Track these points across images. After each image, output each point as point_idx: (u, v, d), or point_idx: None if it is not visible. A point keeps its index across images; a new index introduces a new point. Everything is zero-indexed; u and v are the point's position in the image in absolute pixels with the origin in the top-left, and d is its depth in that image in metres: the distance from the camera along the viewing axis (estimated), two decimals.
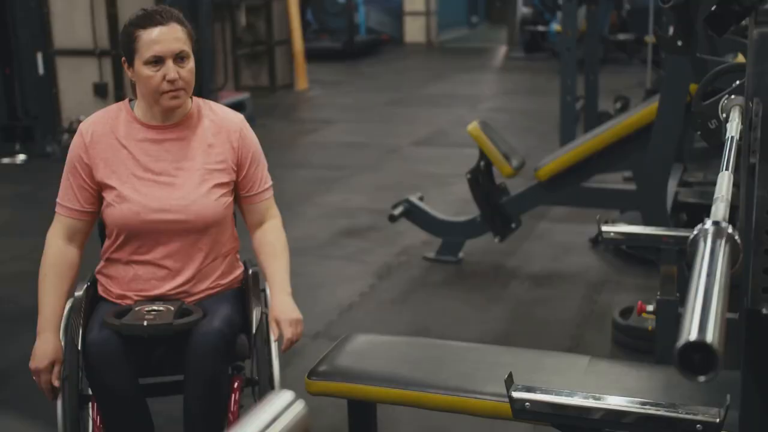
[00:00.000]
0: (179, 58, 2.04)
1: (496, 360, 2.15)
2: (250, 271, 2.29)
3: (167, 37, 2.02)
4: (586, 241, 4.67)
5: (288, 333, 2.10)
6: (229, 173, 2.17)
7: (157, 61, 2.02)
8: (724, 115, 2.36)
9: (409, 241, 4.73)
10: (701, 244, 1.26)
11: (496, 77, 12.22)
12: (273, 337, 2.13)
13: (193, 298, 2.16)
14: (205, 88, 7.67)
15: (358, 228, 5.05)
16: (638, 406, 1.51)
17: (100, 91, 7.30)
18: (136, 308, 2.07)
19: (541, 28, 12.73)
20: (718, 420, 1.45)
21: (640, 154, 3.81)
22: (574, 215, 5.08)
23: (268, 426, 0.74)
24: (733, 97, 2.44)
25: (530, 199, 4.25)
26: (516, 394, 1.56)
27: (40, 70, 6.97)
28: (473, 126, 4.22)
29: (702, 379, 0.97)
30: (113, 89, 7.30)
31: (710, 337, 0.96)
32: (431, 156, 6.93)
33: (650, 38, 8.66)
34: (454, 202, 5.42)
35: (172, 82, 2.03)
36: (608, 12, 11.55)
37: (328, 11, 14.10)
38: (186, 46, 2.06)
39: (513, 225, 4.27)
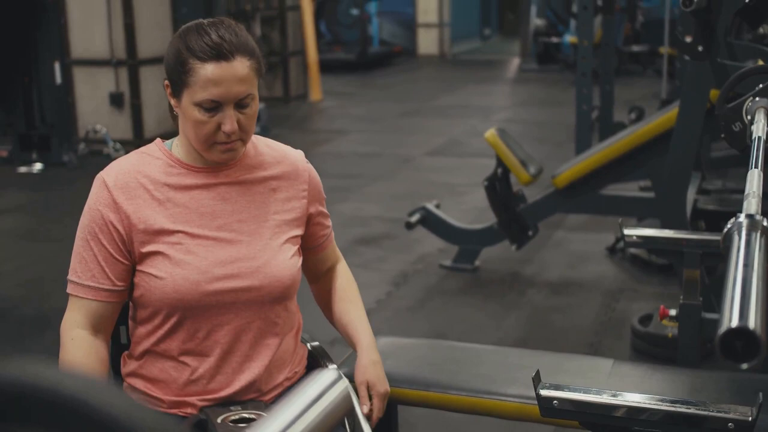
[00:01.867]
0: (241, 105, 1.55)
1: (518, 362, 2.14)
2: (309, 346, 1.84)
3: (231, 78, 1.52)
4: (602, 250, 4.65)
5: (378, 410, 1.72)
6: (300, 225, 1.71)
7: (214, 107, 1.53)
8: (749, 117, 2.35)
9: (425, 249, 4.72)
10: (736, 237, 1.24)
11: (509, 88, 12.22)
12: (362, 410, 1.69)
13: (269, 396, 1.67)
14: None
15: (373, 236, 5.04)
16: (668, 404, 1.49)
17: (116, 101, 7.35)
18: (218, 420, 1.56)
19: (554, 39, 12.73)
20: (750, 418, 1.43)
21: (658, 161, 3.80)
22: (589, 224, 5.07)
23: (314, 402, 0.73)
24: (757, 99, 2.44)
25: (548, 207, 4.24)
26: (544, 392, 1.54)
27: (58, 79, 7.01)
28: (491, 133, 4.21)
29: (744, 366, 0.96)
30: (129, 99, 7.35)
31: (752, 323, 0.95)
32: (445, 166, 6.92)
33: (664, 49, 8.67)
34: (468, 211, 5.40)
35: (228, 134, 1.55)
36: (622, 23, 11.55)
37: (342, 23, 14.15)
38: (252, 88, 1.56)
39: (530, 232, 4.26)
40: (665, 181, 3.77)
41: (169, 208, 1.60)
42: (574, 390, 1.55)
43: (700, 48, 3.39)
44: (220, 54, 1.52)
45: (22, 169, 6.83)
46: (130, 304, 1.68)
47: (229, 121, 1.54)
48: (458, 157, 7.23)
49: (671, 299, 3.54)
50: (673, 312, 3.19)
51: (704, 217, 4.26)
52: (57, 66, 6.97)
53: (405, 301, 4.03)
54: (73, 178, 6.46)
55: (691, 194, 4.11)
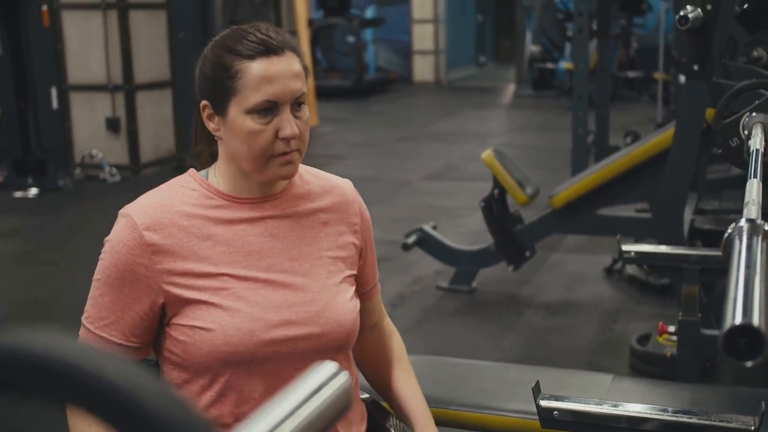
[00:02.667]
0: (297, 104, 1.37)
1: (518, 378, 2.12)
2: (363, 397, 1.64)
3: (286, 73, 1.34)
4: (600, 271, 4.64)
5: None
6: (354, 264, 1.52)
7: (270, 109, 1.34)
8: (746, 132, 2.36)
9: (422, 270, 4.71)
10: (737, 241, 1.24)
11: (505, 114, 12.27)
12: None
13: None
14: None
15: None
16: (670, 414, 1.48)
17: (113, 126, 7.36)
18: None
19: (549, 65, 12.80)
20: (753, 428, 1.42)
21: (655, 180, 3.80)
22: (586, 246, 5.06)
23: (312, 394, 0.72)
24: (754, 114, 2.45)
25: (545, 227, 4.23)
26: (544, 403, 1.53)
27: (54, 104, 7.03)
28: (487, 153, 4.22)
29: (749, 363, 0.95)
30: (126, 124, 7.36)
31: (756, 320, 0.94)
32: (442, 189, 6.93)
33: (659, 75, 8.74)
34: (466, 234, 5.40)
35: (288, 140, 1.36)
36: (617, 50, 11.63)
37: (338, 50, 14.23)
38: (305, 87, 1.38)
39: (527, 253, 4.25)
40: (662, 200, 3.77)
41: (210, 247, 1.37)
42: (575, 401, 1.53)
43: (695, 67, 3.41)
44: (269, 48, 1.34)
45: (18, 194, 6.82)
46: (160, 368, 1.42)
47: (289, 123, 1.35)
48: (455, 181, 7.24)
49: (669, 319, 3.52)
50: (671, 329, 3.18)
51: (701, 237, 4.26)
52: (53, 91, 6.99)
53: (402, 323, 4.01)
54: (69, 203, 6.45)
55: (687, 214, 4.11)
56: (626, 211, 5.14)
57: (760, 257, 1.18)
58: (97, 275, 1.39)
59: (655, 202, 3.87)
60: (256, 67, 1.34)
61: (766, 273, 1.15)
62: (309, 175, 1.53)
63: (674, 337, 3.17)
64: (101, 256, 1.39)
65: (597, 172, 4.11)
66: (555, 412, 1.52)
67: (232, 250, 1.39)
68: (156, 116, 7.58)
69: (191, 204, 1.40)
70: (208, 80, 1.38)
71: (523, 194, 4.15)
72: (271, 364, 1.37)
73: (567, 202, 4.08)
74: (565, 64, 11.92)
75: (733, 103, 2.70)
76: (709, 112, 3.51)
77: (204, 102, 1.40)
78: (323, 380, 0.75)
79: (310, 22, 11.67)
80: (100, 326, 1.37)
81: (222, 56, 1.36)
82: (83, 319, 1.40)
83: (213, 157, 1.47)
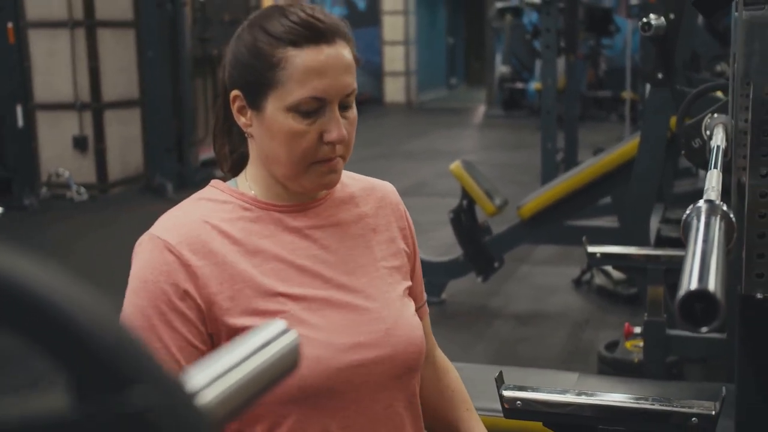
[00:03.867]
0: (345, 103, 1.17)
1: (483, 377, 2.09)
2: None
3: (337, 65, 1.14)
4: (568, 282, 4.64)
5: None
6: (407, 274, 1.31)
7: (315, 107, 1.14)
8: (708, 132, 2.38)
9: None
10: (695, 220, 1.23)
11: (476, 133, 12.34)
12: None
13: None
14: (186, 140, 7.70)
15: None
16: (632, 401, 1.46)
17: (80, 145, 7.29)
18: None
19: (519, 85, 12.92)
20: (713, 412, 1.40)
21: (622, 188, 3.82)
22: (555, 258, 5.07)
23: (258, 350, 0.69)
24: (716, 115, 2.47)
25: (513, 238, 4.24)
26: (507, 393, 1.51)
27: (20, 122, 6.95)
28: (456, 165, 4.22)
29: (704, 329, 0.94)
30: (93, 142, 7.29)
31: (712, 285, 0.94)
32: (413, 205, 6.84)
33: (627, 94, 8.84)
34: (436, 248, 5.38)
35: (334, 145, 1.15)
36: (585, 70, 11.76)
37: None
38: (355, 82, 1.18)
39: (496, 264, 4.24)
40: (629, 207, 3.79)
41: (258, 264, 1.16)
42: (538, 390, 1.51)
43: (659, 75, 3.45)
44: (318, 34, 1.13)
45: None
46: None
47: (336, 125, 1.14)
48: (426, 197, 7.24)
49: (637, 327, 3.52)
50: (637, 329, 3.18)
51: (668, 245, 4.28)
52: (19, 109, 6.92)
53: None
54: (35, 222, 6.36)
55: (654, 223, 4.14)
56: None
57: (717, 233, 1.17)
58: (133, 321, 1.12)
59: (622, 209, 3.88)
60: (303, 57, 1.12)
61: (724, 249, 1.15)
62: (347, 178, 1.31)
63: (641, 344, 3.17)
64: (130, 297, 1.13)
65: (564, 182, 4.13)
66: (518, 402, 1.50)
67: (284, 267, 1.17)
68: (124, 135, 7.52)
69: (227, 219, 1.17)
70: (243, 67, 1.16)
71: (492, 205, 4.15)
72: (341, 396, 1.15)
73: (535, 212, 4.09)
74: (534, 84, 12.03)
75: (694, 108, 2.73)
76: (674, 121, 3.54)
77: (235, 92, 1.17)
78: (271, 336, 0.73)
79: None
80: None
81: (259, 41, 1.14)
82: None
83: (239, 159, 1.25)
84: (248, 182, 1.22)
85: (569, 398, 1.49)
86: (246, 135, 1.21)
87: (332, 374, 1.13)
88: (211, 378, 0.62)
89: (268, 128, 1.15)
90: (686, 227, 1.25)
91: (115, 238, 4.71)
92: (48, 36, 7.18)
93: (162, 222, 1.17)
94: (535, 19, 11.73)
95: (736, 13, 1.40)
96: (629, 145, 3.91)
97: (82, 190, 7.11)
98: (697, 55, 5.27)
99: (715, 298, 0.93)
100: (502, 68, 13.07)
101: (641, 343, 3.21)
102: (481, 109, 14.86)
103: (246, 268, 1.15)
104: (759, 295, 1.34)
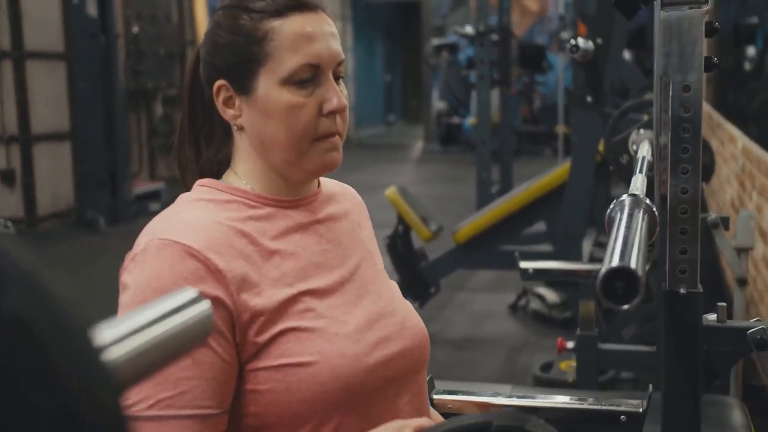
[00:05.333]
0: (338, 74, 1.12)
1: None
2: None
3: (325, 31, 1.10)
4: (505, 308, 4.66)
5: None
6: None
7: (310, 77, 1.09)
8: (635, 148, 2.43)
9: None
10: (619, 214, 1.25)
11: (414, 168, 12.42)
12: None
13: None
14: (120, 174, 7.56)
15: None
16: (562, 401, 1.46)
17: (7, 178, 7.09)
18: None
19: (455, 120, 13.08)
20: (641, 409, 1.41)
21: (554, 211, 3.87)
22: (492, 285, 5.09)
23: (167, 316, 0.65)
24: (641, 131, 2.52)
25: (449, 263, 4.24)
26: (438, 397, 1.49)
27: None
28: (391, 190, 4.23)
29: (625, 306, 0.94)
30: (21, 176, 7.10)
31: (633, 263, 0.94)
32: None
33: (561, 128, 9.02)
34: None
35: (334, 116, 1.11)
36: (520, 106, 11.98)
37: None
38: (342, 53, 1.13)
39: (432, 289, 4.24)
40: (561, 228, 3.83)
41: (278, 265, 1.09)
42: (469, 393, 1.50)
43: (588, 98, 3.52)
44: (302, 3, 1.09)
45: None
46: None
47: (335, 93, 1.09)
48: None
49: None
50: (570, 344, 3.19)
51: None
52: None
53: None
54: None
55: (587, 246, 4.19)
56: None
57: (640, 223, 1.18)
58: None
59: (555, 232, 3.93)
60: (291, 25, 1.07)
61: (646, 236, 1.16)
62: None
63: (575, 364, 3.19)
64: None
65: (499, 206, 4.16)
66: (449, 406, 1.48)
67: (301, 264, 1.11)
68: (54, 168, 7.35)
69: (238, 219, 1.09)
70: (225, 50, 1.09)
71: (427, 230, 4.15)
72: (376, 393, 1.09)
73: (470, 236, 4.11)
74: (470, 120, 12.19)
75: (621, 126, 2.79)
76: (602, 146, 3.61)
77: (219, 82, 1.10)
78: (182, 303, 0.69)
79: None
80: (184, 403, 0.97)
81: (241, 17, 1.08)
82: (144, 411, 0.97)
83: (221, 162, 1.18)
84: (243, 179, 1.14)
85: (500, 400, 1.48)
86: (234, 129, 1.14)
87: (371, 371, 1.08)
88: (117, 336, 0.59)
89: (262, 109, 1.09)
90: (611, 220, 1.26)
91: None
92: None
93: (169, 224, 1.06)
94: (471, 54, 11.95)
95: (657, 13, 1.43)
96: (561, 169, 3.98)
97: (10, 224, 6.90)
98: (626, 87, 5.41)
99: (635, 274, 0.94)
100: (439, 104, 13.23)
101: (575, 363, 3.24)
102: (419, 145, 14.98)
103: (267, 270, 1.07)
104: (682, 291, 1.35)
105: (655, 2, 1.37)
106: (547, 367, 3.46)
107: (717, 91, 6.12)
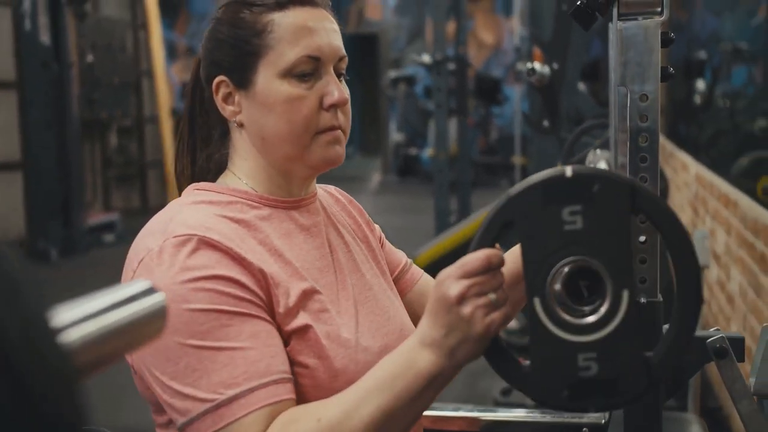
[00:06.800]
0: (339, 71, 1.12)
1: None
2: None
3: (326, 26, 1.10)
4: None
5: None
6: (385, 264, 1.27)
7: (311, 70, 1.07)
8: (593, 167, 2.44)
9: None
10: None
11: (372, 199, 12.42)
12: None
13: None
14: (73, 204, 7.43)
15: None
16: (523, 414, 1.44)
17: None
18: None
19: (413, 151, 13.16)
20: (603, 421, 1.39)
21: (514, 236, 3.87)
22: None
23: (120, 305, 0.62)
24: (598, 152, 2.54)
25: None
26: None
27: None
28: None
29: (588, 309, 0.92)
30: None
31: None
32: None
33: (517, 158, 9.11)
34: None
35: (336, 110, 1.09)
36: (477, 137, 12.10)
37: None
38: (344, 50, 1.13)
39: None
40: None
41: (287, 262, 1.06)
42: (431, 409, 1.47)
43: (545, 122, 3.55)
44: None
45: None
46: None
47: (336, 86, 1.08)
48: None
49: None
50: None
51: None
52: None
53: None
54: None
55: None
56: None
57: None
58: (200, 334, 0.95)
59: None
60: (291, 17, 1.07)
61: None
62: None
63: None
64: (182, 315, 0.95)
65: (459, 231, 4.16)
66: None
67: (307, 267, 1.08)
68: (4, 199, 7.21)
69: (239, 219, 1.06)
70: (225, 44, 1.09)
71: None
72: None
73: (430, 262, 4.09)
74: (428, 151, 12.26)
75: (576, 148, 2.81)
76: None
77: (218, 78, 1.09)
78: (136, 292, 0.66)
79: (174, 113, 11.55)
80: (261, 372, 0.95)
81: (242, 11, 1.08)
82: (211, 397, 0.93)
83: (219, 163, 1.16)
84: (242, 179, 1.12)
85: (461, 414, 1.45)
86: (233, 127, 1.12)
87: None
88: (74, 319, 0.56)
89: (262, 103, 1.07)
90: None
91: None
92: None
93: (173, 226, 1.01)
94: (428, 84, 12.06)
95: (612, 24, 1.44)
96: None
97: None
98: (582, 116, 5.49)
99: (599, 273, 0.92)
100: (396, 135, 13.31)
101: None
102: (377, 177, 15.02)
103: (276, 271, 1.03)
104: (642, 300, 1.34)
105: (611, 11, 1.38)
106: (507, 391, 3.45)
107: (669, 122, 6.23)
